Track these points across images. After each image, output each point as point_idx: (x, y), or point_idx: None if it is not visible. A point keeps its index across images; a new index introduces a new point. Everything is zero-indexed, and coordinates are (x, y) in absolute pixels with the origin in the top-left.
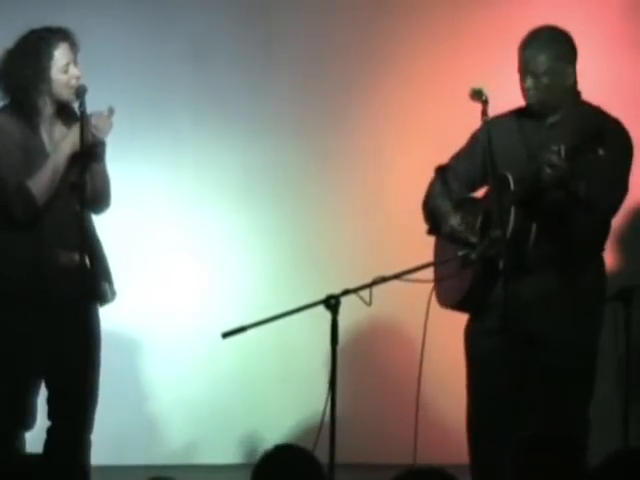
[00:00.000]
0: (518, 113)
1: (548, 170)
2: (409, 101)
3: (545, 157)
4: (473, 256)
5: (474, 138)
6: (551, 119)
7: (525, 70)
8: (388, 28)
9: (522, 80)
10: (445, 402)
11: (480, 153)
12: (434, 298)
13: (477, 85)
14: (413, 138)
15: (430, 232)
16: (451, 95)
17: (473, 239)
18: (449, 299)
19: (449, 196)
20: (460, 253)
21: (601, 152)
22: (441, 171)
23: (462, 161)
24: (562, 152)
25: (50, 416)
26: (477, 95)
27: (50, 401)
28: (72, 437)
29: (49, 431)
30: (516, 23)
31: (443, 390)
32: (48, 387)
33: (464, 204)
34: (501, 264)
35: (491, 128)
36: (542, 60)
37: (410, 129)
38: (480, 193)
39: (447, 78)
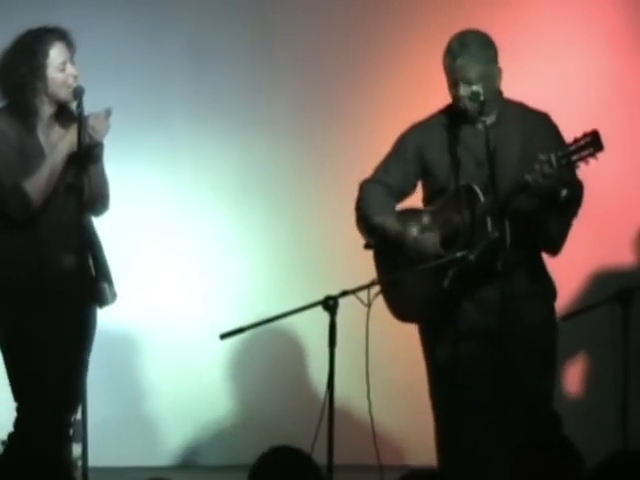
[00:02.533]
0: (446, 115)
1: (541, 180)
2: (410, 101)
3: (536, 167)
4: (471, 257)
5: (401, 145)
6: (487, 121)
7: (457, 78)
8: (388, 28)
9: (453, 87)
10: None
11: (411, 161)
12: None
13: (475, 87)
14: None
15: (368, 247)
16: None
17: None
18: (413, 312)
19: (389, 211)
20: (459, 254)
21: (567, 151)
22: (368, 185)
23: (392, 171)
24: (553, 161)
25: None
26: (474, 96)
27: None
28: (60, 432)
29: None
30: (517, 24)
31: None
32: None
33: (407, 217)
34: (499, 265)
35: (420, 133)
36: (474, 67)
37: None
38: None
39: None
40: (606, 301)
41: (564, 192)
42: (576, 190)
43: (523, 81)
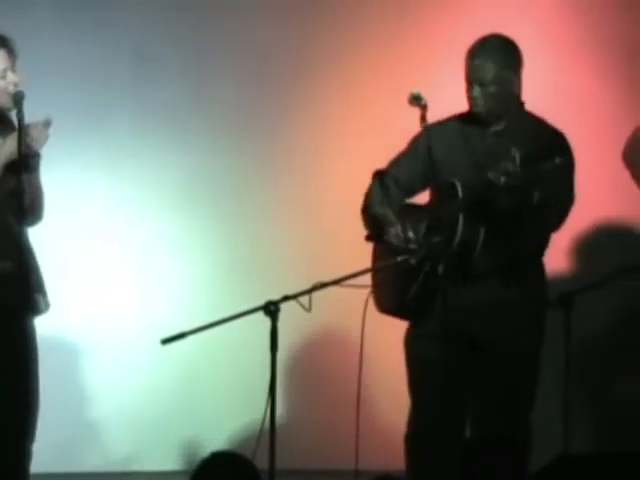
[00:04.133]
0: (461, 119)
1: (502, 178)
2: (348, 104)
3: (500, 164)
4: (412, 261)
5: (414, 143)
6: (496, 127)
7: (472, 78)
8: (326, 29)
9: (468, 88)
10: (386, 407)
11: (421, 159)
12: (371, 303)
13: (415, 90)
14: (353, 141)
15: (368, 238)
16: (392, 98)
17: (413, 247)
18: (387, 305)
19: (389, 203)
20: (399, 259)
21: (557, 160)
22: (380, 176)
23: (402, 167)
24: (517, 160)
25: None
26: (416, 100)
27: None
28: (12, 447)
29: None
30: (460, 28)
31: (383, 395)
32: None
33: (406, 211)
34: (440, 269)
35: (433, 134)
36: (490, 69)
37: (350, 132)
38: (421, 198)
39: (387, 81)
40: (549, 306)
41: (536, 195)
42: (555, 199)
43: None
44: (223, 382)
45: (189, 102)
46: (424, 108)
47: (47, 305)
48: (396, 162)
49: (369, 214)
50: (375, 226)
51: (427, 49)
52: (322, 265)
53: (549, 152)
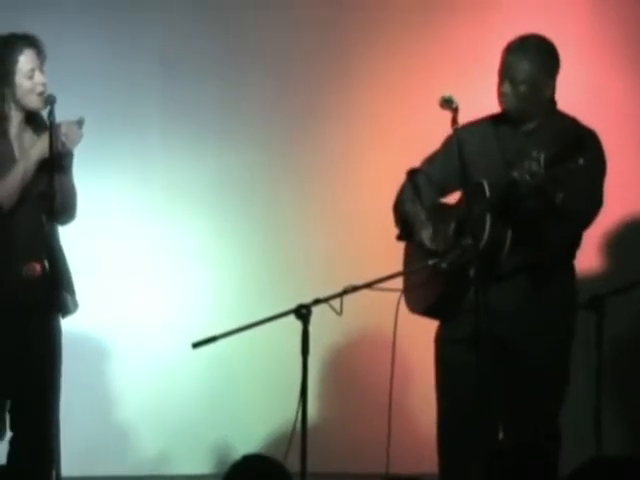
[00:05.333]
0: (494, 119)
1: (527, 177)
2: (381, 103)
3: (524, 164)
4: (443, 265)
5: (447, 143)
6: (526, 126)
7: (505, 75)
8: (358, 28)
9: (500, 84)
10: (417, 410)
11: (454, 158)
12: (403, 306)
13: (447, 93)
14: (386, 141)
15: (400, 238)
16: (424, 96)
17: (443, 248)
18: (419, 306)
19: (420, 201)
20: (430, 262)
21: (581, 161)
22: (413, 175)
23: (436, 166)
24: (541, 160)
25: (12, 427)
26: (447, 103)
27: (12, 411)
28: (35, 446)
29: (12, 442)
30: (491, 29)
31: (415, 398)
32: (10, 398)
33: (437, 211)
34: (472, 272)
35: (466, 134)
36: (523, 68)
37: (383, 132)
38: (452, 198)
39: (420, 79)
40: (579, 308)
41: (559, 195)
42: (579, 200)
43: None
44: (254, 385)
45: (220, 102)
46: (455, 111)
47: (75, 305)
48: (429, 161)
49: (400, 212)
50: (406, 225)
51: (458, 48)
52: (353, 268)
53: (574, 152)
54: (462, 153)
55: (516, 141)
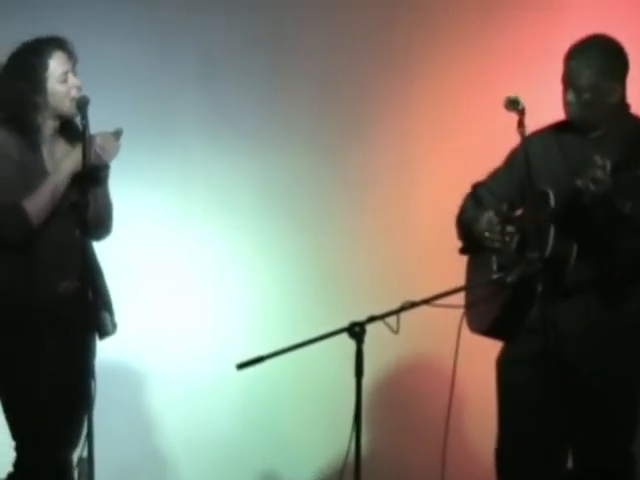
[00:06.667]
0: (559, 127)
1: (592, 186)
2: (436, 112)
3: (589, 172)
4: (508, 280)
5: (512, 155)
6: (594, 134)
7: (568, 83)
8: (411, 33)
9: (564, 92)
10: (475, 434)
11: (518, 170)
12: (465, 325)
13: (513, 94)
14: (440, 152)
15: (463, 251)
16: (482, 106)
17: (506, 261)
18: (481, 324)
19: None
20: (495, 276)
21: None
22: (476, 188)
23: (498, 177)
24: (607, 167)
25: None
26: (513, 104)
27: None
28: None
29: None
30: (553, 28)
31: (475, 425)
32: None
33: (509, 221)
34: (539, 287)
35: (529, 143)
36: (586, 75)
37: (437, 142)
38: None
39: (477, 87)
40: None
41: (628, 204)
42: None
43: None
44: (304, 409)
45: (264, 107)
46: (522, 113)
47: (114, 326)
48: (493, 173)
49: (462, 223)
50: (468, 237)
51: (521, 50)
52: (411, 283)
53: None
54: (528, 157)
55: (582, 150)
